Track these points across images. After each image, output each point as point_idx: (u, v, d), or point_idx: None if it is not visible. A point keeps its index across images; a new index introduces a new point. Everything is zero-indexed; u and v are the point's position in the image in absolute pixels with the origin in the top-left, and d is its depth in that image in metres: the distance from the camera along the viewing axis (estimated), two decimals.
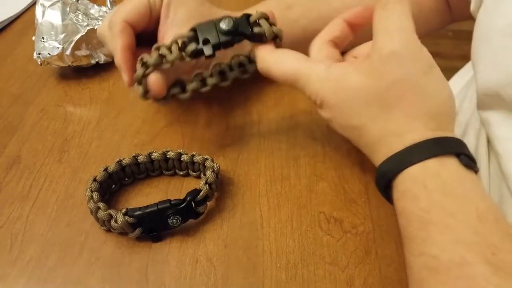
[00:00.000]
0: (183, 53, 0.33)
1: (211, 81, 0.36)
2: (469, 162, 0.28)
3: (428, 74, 0.29)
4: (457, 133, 0.43)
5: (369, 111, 0.30)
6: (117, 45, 0.36)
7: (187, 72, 0.37)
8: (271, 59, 0.33)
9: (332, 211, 0.35)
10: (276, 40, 0.34)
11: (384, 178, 0.29)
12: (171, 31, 0.37)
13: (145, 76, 0.34)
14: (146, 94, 0.35)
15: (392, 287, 0.30)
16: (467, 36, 0.39)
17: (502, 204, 0.36)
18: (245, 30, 0.33)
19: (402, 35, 0.29)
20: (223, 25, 0.32)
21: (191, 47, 0.32)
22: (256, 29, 0.33)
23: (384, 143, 0.30)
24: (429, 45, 0.30)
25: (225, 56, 0.36)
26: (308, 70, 0.32)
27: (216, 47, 0.32)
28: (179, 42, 0.33)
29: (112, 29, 0.36)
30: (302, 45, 0.37)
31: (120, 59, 0.36)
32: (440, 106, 0.30)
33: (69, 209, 0.35)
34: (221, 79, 0.36)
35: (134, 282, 0.31)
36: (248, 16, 0.33)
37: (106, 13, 0.48)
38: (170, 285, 0.31)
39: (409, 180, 0.28)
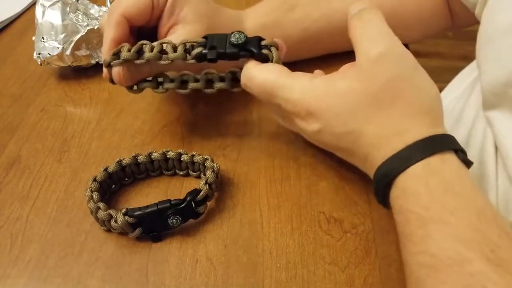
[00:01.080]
0: (188, 55, 0.34)
1: (193, 85, 0.36)
2: (465, 157, 0.29)
3: (416, 71, 0.30)
4: (463, 132, 0.43)
5: (364, 113, 0.30)
6: (108, 36, 0.36)
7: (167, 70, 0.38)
8: (255, 69, 0.33)
9: (332, 211, 0.35)
10: None
11: (386, 177, 0.29)
12: (179, 28, 0.37)
13: (110, 66, 0.35)
14: (112, 81, 0.36)
15: (392, 287, 0.30)
16: (467, 36, 0.40)
17: (509, 201, 0.36)
18: (254, 48, 0.33)
19: (386, 38, 0.30)
20: (233, 38, 0.33)
21: (198, 50, 0.33)
22: (264, 51, 0.34)
23: (384, 143, 0.30)
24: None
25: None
26: (291, 81, 0.32)
27: (220, 55, 0.33)
28: (187, 44, 0.34)
29: (108, 19, 0.36)
30: (304, 46, 0.37)
31: (106, 51, 0.36)
32: (432, 102, 0.31)
33: (69, 209, 0.35)
34: (205, 86, 0.36)
35: (134, 282, 0.31)
36: (260, 38, 0.34)
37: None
38: (170, 285, 0.31)
39: (410, 178, 0.28)
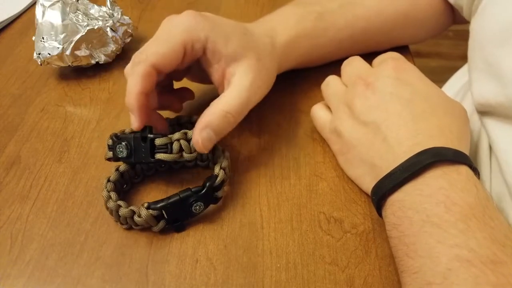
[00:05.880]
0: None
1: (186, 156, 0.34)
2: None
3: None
4: None
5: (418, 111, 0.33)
6: (134, 88, 0.33)
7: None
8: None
9: (332, 211, 0.35)
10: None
11: (439, 156, 0.29)
12: (237, 68, 0.36)
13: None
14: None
15: (392, 287, 0.30)
16: (467, 36, 0.39)
17: (500, 203, 0.36)
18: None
19: None
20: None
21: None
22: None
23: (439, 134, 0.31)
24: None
25: None
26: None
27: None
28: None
29: (135, 67, 0.33)
30: (328, 52, 0.37)
31: (134, 102, 0.33)
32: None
33: (69, 209, 0.35)
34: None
35: (134, 282, 0.31)
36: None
37: (106, 13, 0.48)
38: (170, 285, 0.31)
39: (463, 175, 0.29)
